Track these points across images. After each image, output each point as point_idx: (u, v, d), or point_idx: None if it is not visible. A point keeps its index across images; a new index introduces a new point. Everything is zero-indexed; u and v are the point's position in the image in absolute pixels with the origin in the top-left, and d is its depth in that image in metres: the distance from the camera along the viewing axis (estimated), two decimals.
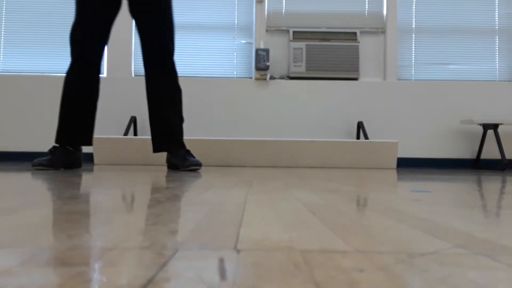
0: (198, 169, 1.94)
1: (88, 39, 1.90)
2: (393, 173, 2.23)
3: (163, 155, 2.96)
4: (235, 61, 3.75)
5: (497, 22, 3.80)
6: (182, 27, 3.77)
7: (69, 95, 1.92)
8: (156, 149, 2.02)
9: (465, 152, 3.67)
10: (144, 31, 1.94)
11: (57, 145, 1.96)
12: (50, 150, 1.91)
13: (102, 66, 2.03)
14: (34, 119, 3.64)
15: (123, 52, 3.70)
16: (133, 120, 3.50)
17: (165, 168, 2.36)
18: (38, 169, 1.83)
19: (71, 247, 0.34)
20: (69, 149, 1.93)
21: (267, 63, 3.57)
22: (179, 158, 1.96)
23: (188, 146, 2.97)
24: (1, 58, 3.76)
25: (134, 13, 1.95)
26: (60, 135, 1.93)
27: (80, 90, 1.92)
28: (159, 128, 1.99)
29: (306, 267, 0.29)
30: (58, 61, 3.75)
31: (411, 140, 3.67)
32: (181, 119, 2.03)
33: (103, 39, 1.94)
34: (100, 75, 2.03)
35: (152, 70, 1.96)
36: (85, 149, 3.62)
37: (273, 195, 0.82)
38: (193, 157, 2.00)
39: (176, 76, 2.01)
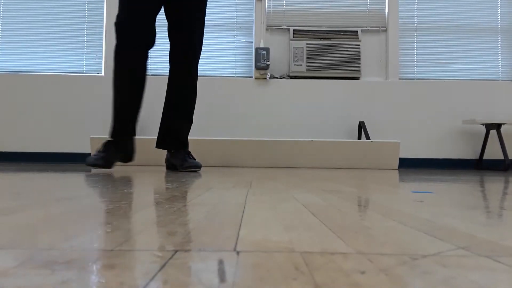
0: (197, 171, 1.94)
1: (134, 30, 1.86)
2: (395, 173, 2.23)
3: (162, 155, 2.96)
4: (234, 60, 3.75)
5: (499, 21, 3.79)
6: None
7: (120, 87, 1.88)
8: (158, 145, 2.04)
9: (468, 152, 3.67)
10: (176, 33, 1.97)
11: (111, 139, 1.90)
12: (104, 145, 1.86)
13: (149, 58, 2.01)
14: (32, 119, 3.64)
15: None
16: None
17: (164, 168, 2.36)
18: (93, 167, 1.82)
19: (70, 248, 0.34)
20: (122, 141, 1.89)
21: (267, 62, 3.57)
22: (178, 159, 1.97)
23: (191, 147, 2.97)
24: None
25: (168, 12, 1.98)
26: (115, 129, 1.88)
27: (130, 81, 1.89)
28: (167, 126, 2.01)
29: (306, 268, 0.29)
30: (57, 60, 3.75)
31: (413, 140, 3.67)
32: (190, 121, 2.05)
33: (150, 30, 1.90)
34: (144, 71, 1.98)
35: (176, 70, 1.99)
36: (83, 148, 3.62)
37: (273, 195, 0.81)
38: (194, 159, 2.01)
39: (197, 78, 2.05)
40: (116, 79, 1.88)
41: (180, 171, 1.93)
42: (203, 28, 2.02)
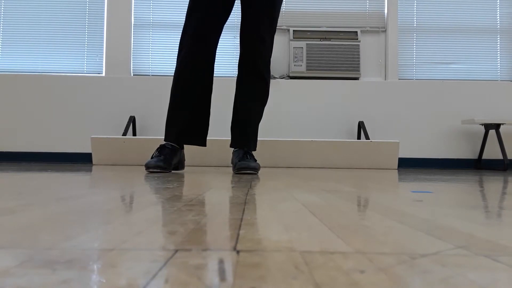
0: (252, 173, 1.73)
1: (204, 26, 1.75)
2: (394, 173, 2.23)
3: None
4: (235, 60, 3.75)
5: (499, 22, 3.80)
6: (182, 26, 3.77)
7: (178, 88, 1.78)
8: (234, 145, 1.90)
9: (467, 152, 3.67)
10: (249, 29, 1.80)
11: (164, 143, 1.80)
12: (157, 150, 1.76)
13: (214, 61, 1.84)
14: (32, 119, 3.64)
15: (122, 51, 3.70)
16: (132, 120, 3.50)
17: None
18: (153, 171, 1.68)
19: (70, 248, 0.34)
20: (176, 147, 1.79)
21: None
22: (235, 159, 1.83)
23: (187, 147, 2.96)
24: None
25: (243, 5, 1.83)
26: (168, 132, 1.79)
27: (191, 82, 1.78)
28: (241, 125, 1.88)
29: (306, 268, 0.29)
30: (58, 60, 3.75)
31: (412, 140, 3.67)
32: (255, 125, 1.91)
33: (219, 26, 1.79)
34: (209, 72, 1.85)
35: (248, 75, 1.85)
36: (84, 148, 3.62)
37: (273, 195, 0.81)
38: (254, 160, 1.82)
39: (269, 81, 1.90)
40: (176, 83, 1.79)
41: (236, 173, 1.76)
42: (277, 22, 1.85)
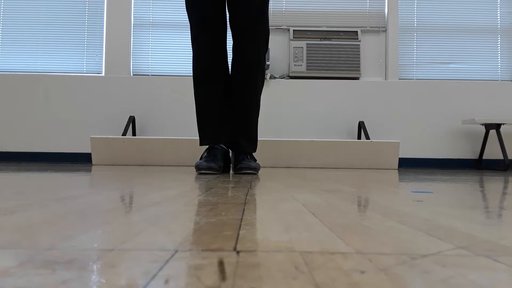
0: (253, 173, 1.70)
1: (204, 23, 1.68)
2: (395, 173, 2.23)
3: (163, 156, 2.96)
4: None
5: (499, 21, 3.80)
6: (181, 26, 3.77)
7: (198, 87, 1.73)
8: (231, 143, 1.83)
9: (467, 152, 3.67)
10: (235, 30, 1.72)
11: (207, 145, 1.74)
12: (206, 151, 1.70)
13: (226, 54, 1.76)
14: (32, 119, 3.64)
15: (122, 51, 3.70)
16: (132, 120, 3.50)
17: (163, 168, 2.35)
18: (205, 173, 1.61)
19: (70, 248, 0.34)
20: (225, 148, 1.73)
21: (267, 62, 3.57)
22: (235, 159, 1.79)
23: (187, 147, 2.96)
24: None
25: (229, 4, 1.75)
26: (201, 134, 1.73)
27: (206, 81, 1.72)
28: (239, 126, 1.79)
29: (306, 268, 0.29)
30: (58, 60, 3.75)
31: (412, 140, 3.67)
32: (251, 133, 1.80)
33: (221, 21, 1.72)
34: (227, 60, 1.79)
35: (241, 78, 1.73)
36: (84, 148, 3.62)
37: (273, 195, 0.81)
38: (254, 160, 1.79)
39: (261, 87, 1.79)
40: (195, 84, 1.74)
41: (236, 173, 1.72)
42: (268, 17, 1.72)
